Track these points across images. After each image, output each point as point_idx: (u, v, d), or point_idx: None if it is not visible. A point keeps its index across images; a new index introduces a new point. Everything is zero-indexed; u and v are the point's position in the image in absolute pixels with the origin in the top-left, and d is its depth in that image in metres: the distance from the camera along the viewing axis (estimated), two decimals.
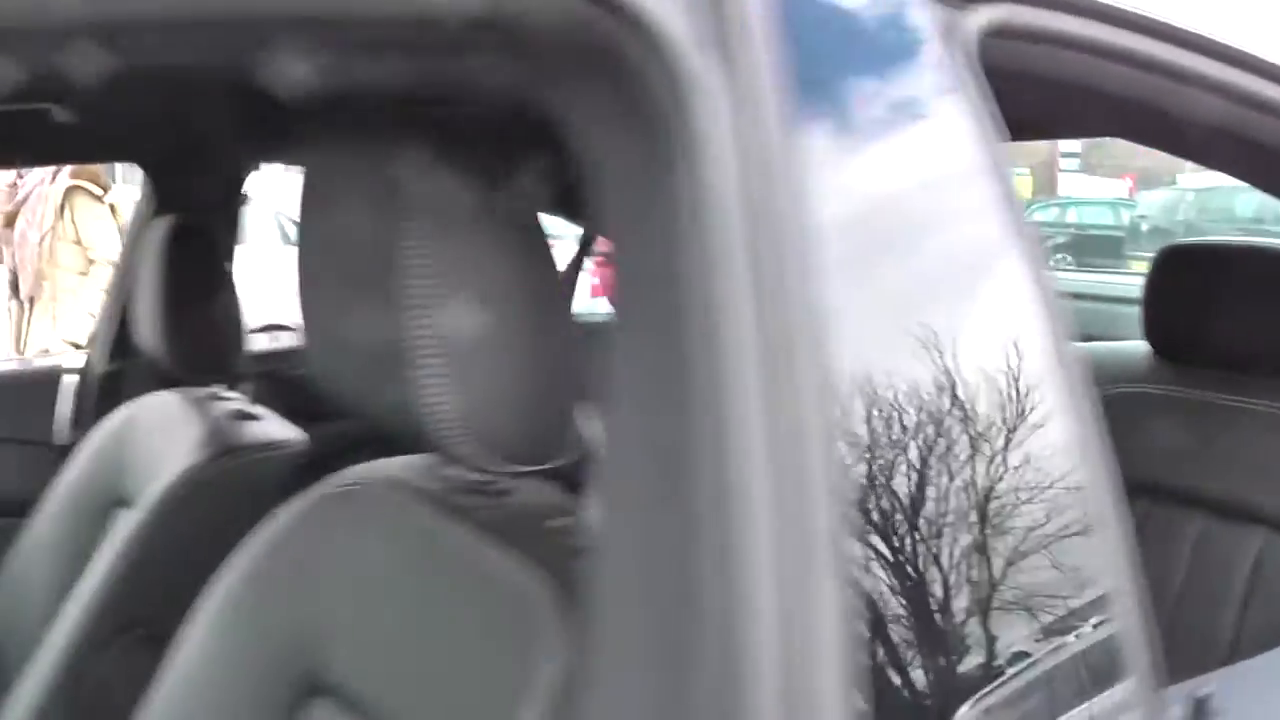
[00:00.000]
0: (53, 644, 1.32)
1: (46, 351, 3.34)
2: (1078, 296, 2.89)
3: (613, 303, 0.58)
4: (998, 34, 0.64)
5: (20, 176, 3.53)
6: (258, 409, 1.49)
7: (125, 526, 1.35)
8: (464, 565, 0.76)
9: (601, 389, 0.56)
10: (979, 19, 0.64)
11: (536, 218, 0.70)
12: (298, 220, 0.83)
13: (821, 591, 0.49)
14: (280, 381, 1.63)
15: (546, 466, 0.70)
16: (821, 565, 0.49)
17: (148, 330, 1.46)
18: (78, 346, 3.61)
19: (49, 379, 1.85)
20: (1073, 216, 12.01)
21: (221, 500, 1.36)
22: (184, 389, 1.58)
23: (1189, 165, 7.03)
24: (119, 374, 1.84)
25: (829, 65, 0.59)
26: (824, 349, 0.51)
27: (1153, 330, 1.40)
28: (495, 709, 0.66)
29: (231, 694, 0.90)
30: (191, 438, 1.38)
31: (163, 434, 1.48)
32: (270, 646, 0.89)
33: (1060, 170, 14.08)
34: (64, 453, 1.82)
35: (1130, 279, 3.56)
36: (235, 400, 1.53)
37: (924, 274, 0.60)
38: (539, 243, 0.70)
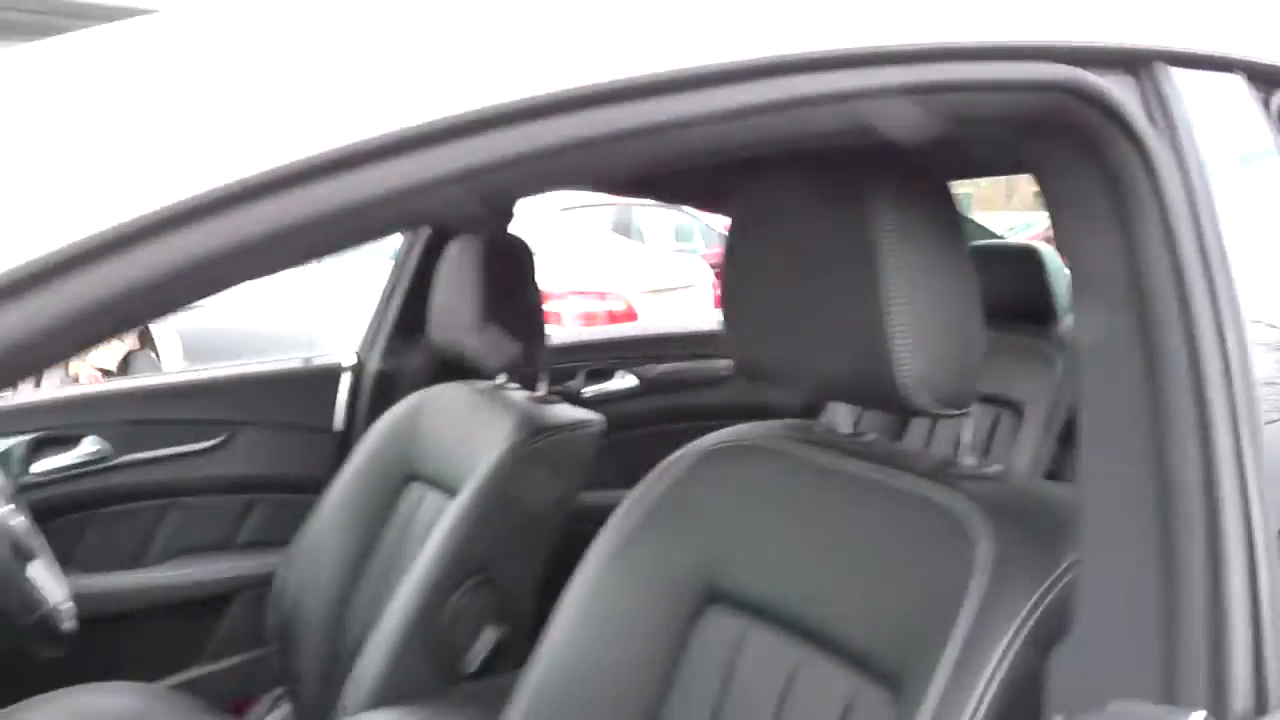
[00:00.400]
0: (407, 589, 1.58)
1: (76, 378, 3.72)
2: None
3: (1078, 307, 0.82)
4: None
5: None
6: (550, 396, 1.76)
7: (465, 493, 1.61)
8: (876, 490, 1.01)
9: (1077, 361, 0.80)
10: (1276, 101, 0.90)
11: (959, 229, 0.94)
12: None
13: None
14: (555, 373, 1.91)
15: (964, 412, 0.94)
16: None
17: (455, 330, 1.72)
18: (106, 372, 3.94)
19: (329, 375, 2.14)
20: None
21: (542, 469, 1.63)
22: (469, 381, 1.86)
23: None
24: (392, 370, 2.12)
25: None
26: (1249, 350, 0.76)
27: None
28: (928, 602, 0.90)
29: (639, 604, 1.12)
30: (508, 419, 1.65)
31: (469, 417, 1.74)
32: (672, 568, 1.12)
33: None
34: (341, 437, 2.11)
35: None
36: (519, 389, 1.80)
37: None
38: (959, 241, 0.94)
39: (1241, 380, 0.73)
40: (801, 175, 0.96)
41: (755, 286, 1.03)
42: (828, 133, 0.64)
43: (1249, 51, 0.89)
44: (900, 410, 0.94)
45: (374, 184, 0.48)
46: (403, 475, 1.86)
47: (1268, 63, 0.90)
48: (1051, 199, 0.82)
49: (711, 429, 1.19)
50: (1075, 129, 0.77)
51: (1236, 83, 0.86)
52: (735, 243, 1.05)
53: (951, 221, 0.93)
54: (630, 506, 1.19)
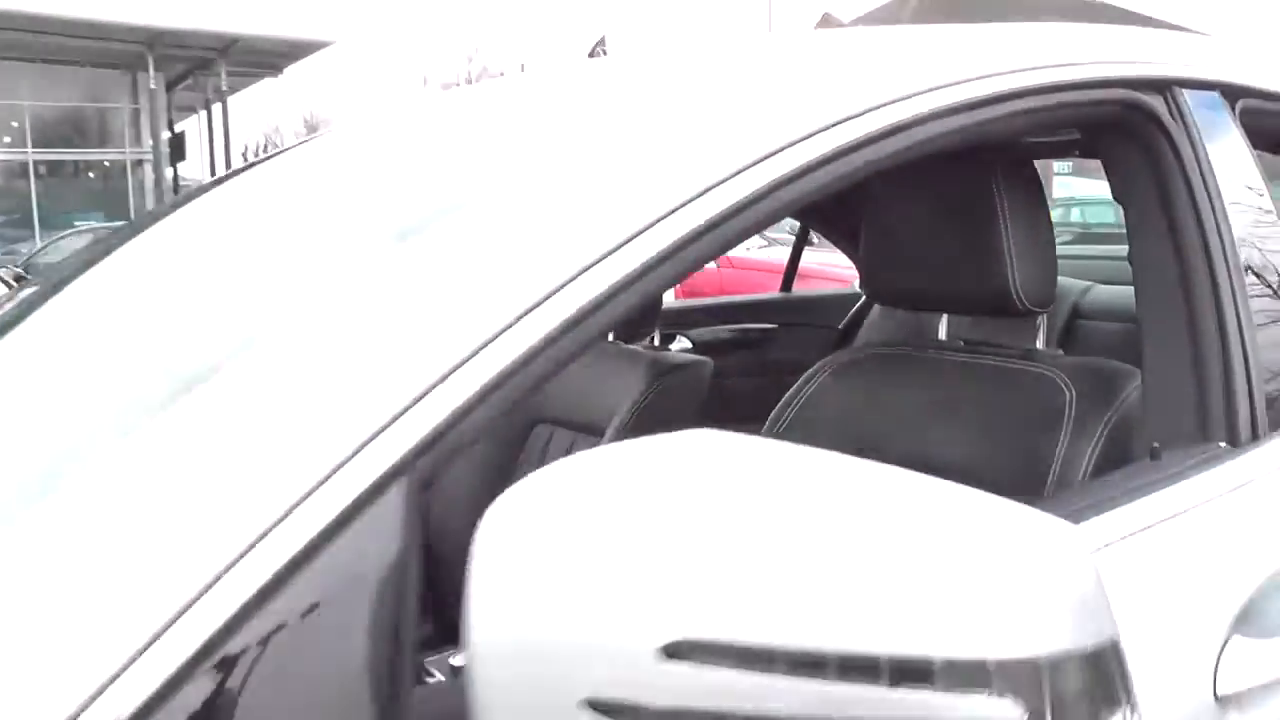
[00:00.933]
0: None
1: None
2: None
3: (1133, 240, 1.32)
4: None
5: None
6: (660, 347, 2.24)
7: (611, 428, 2.06)
8: (985, 370, 1.50)
9: (1136, 271, 1.30)
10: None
11: (1041, 187, 1.46)
12: None
13: None
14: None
15: (1045, 310, 1.45)
16: None
17: None
18: None
19: None
20: (1077, 215, 13.03)
21: (673, 403, 2.09)
22: None
23: None
24: None
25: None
26: (1240, 256, 1.26)
27: None
28: (1034, 439, 1.40)
29: None
30: (640, 362, 2.11)
31: (597, 364, 2.18)
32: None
33: (1055, 174, 15.12)
34: None
35: None
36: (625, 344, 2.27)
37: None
38: (1042, 194, 1.46)
39: (1236, 272, 1.23)
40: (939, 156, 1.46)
41: (899, 235, 1.52)
42: (1030, 127, 1.15)
43: (1220, 75, 1.40)
44: (1007, 311, 1.43)
45: None
46: (528, 420, 2.28)
47: (1230, 82, 1.42)
48: (1112, 171, 1.32)
49: (762, 383, 1.69)
50: (1129, 127, 1.27)
51: (1215, 97, 1.37)
52: (876, 208, 1.54)
53: (1037, 182, 1.45)
54: (780, 411, 1.66)
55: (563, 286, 0.76)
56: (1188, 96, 1.29)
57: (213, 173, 31.44)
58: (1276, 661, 1.00)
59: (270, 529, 0.62)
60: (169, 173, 24.18)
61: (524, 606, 0.59)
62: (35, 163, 23.33)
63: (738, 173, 0.86)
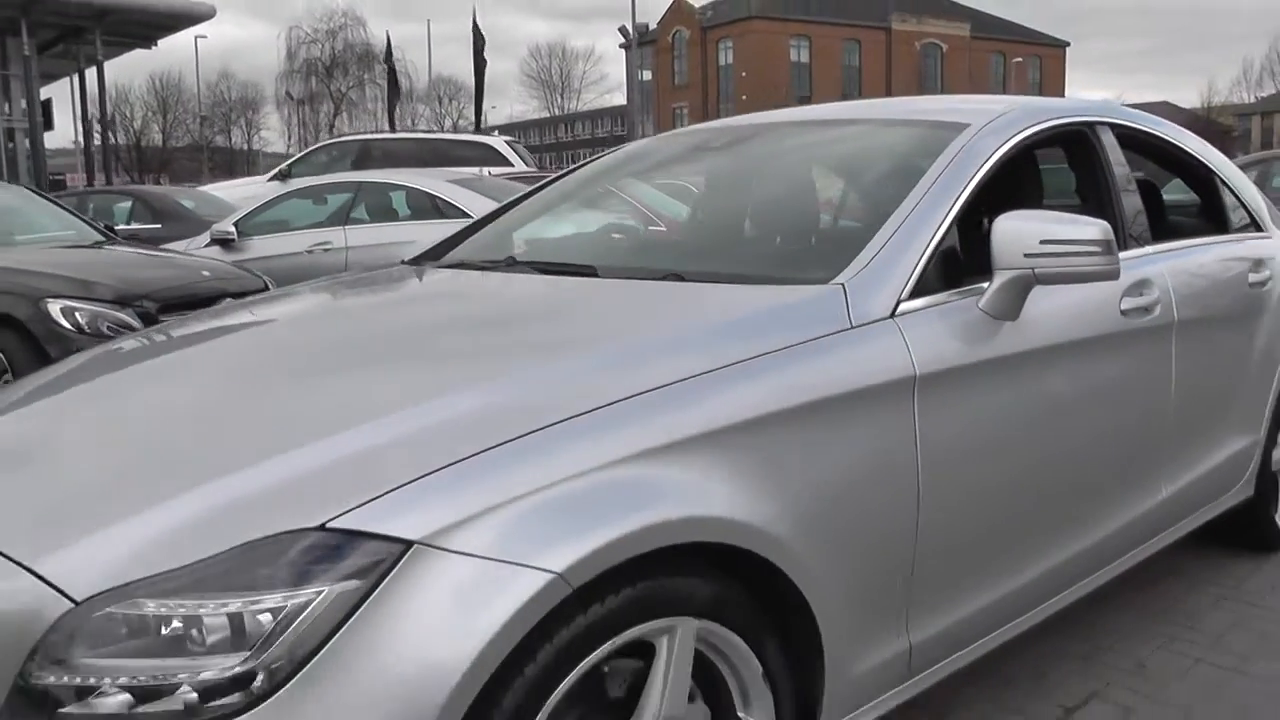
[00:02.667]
0: None
1: None
2: None
3: (1081, 197, 3.20)
4: None
5: None
6: None
7: None
8: None
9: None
10: None
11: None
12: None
13: None
14: None
15: None
16: None
17: None
18: None
19: None
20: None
21: None
22: None
23: None
24: None
25: None
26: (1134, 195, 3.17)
27: None
28: None
29: None
30: None
31: None
32: None
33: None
34: None
35: None
36: None
37: None
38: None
39: (1122, 193, 3.12)
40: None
41: None
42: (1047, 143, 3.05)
43: (1108, 117, 3.30)
44: None
45: None
46: None
47: (1110, 121, 3.32)
48: (1071, 156, 3.20)
49: None
50: (1078, 139, 3.16)
51: (1109, 126, 3.27)
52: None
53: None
54: None
55: None
56: (1099, 128, 3.18)
57: (81, 142, 31.11)
58: None
59: None
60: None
61: None
62: None
63: None
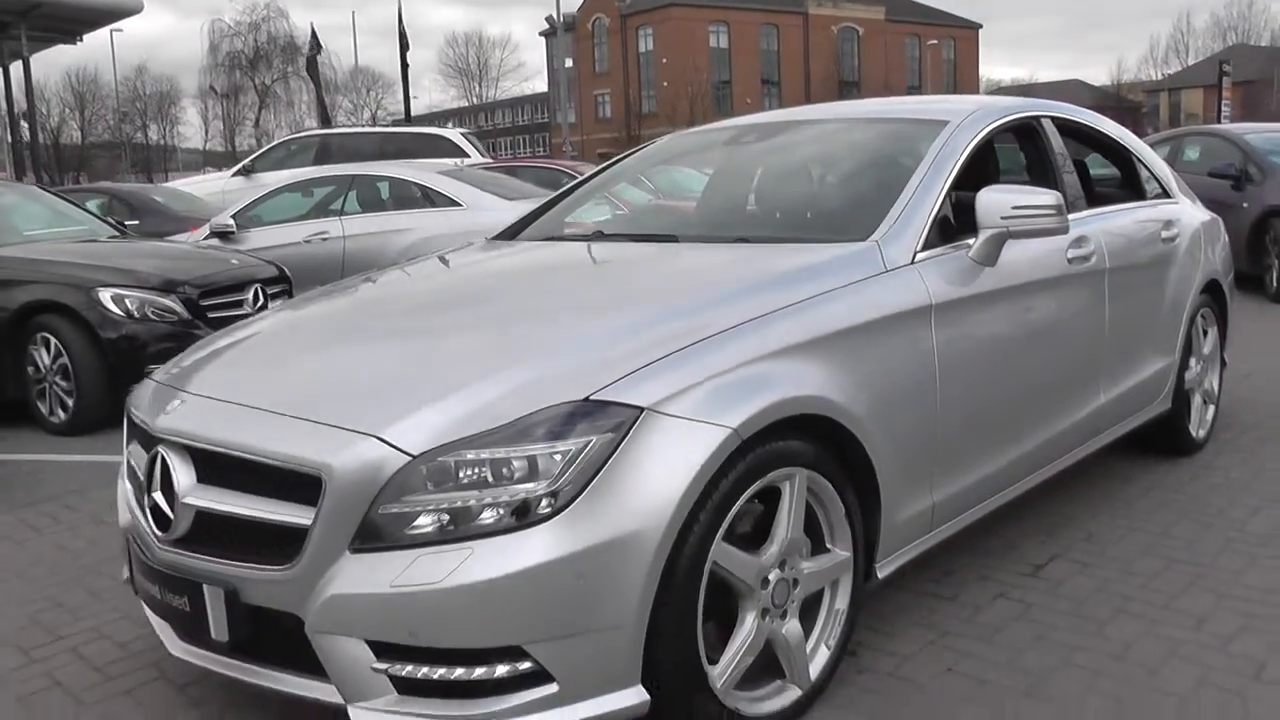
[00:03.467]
0: None
1: None
2: None
3: (1031, 177, 4.04)
4: None
5: None
6: None
7: None
8: None
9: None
10: None
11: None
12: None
13: None
14: None
15: None
16: None
17: None
18: None
19: None
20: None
21: None
22: None
23: None
24: None
25: None
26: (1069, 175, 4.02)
27: None
28: None
29: None
30: None
31: None
32: None
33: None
34: None
35: None
36: None
37: None
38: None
39: (1061, 170, 3.97)
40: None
41: None
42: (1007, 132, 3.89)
43: (1048, 111, 4.15)
44: None
45: None
46: None
47: (1051, 114, 4.17)
48: (1022, 141, 4.04)
49: None
50: (1029, 130, 4.00)
51: (1050, 120, 4.11)
52: None
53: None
54: None
55: None
56: (1043, 120, 4.03)
57: (9, 139, 30.79)
58: None
59: None
60: None
61: None
62: None
63: None
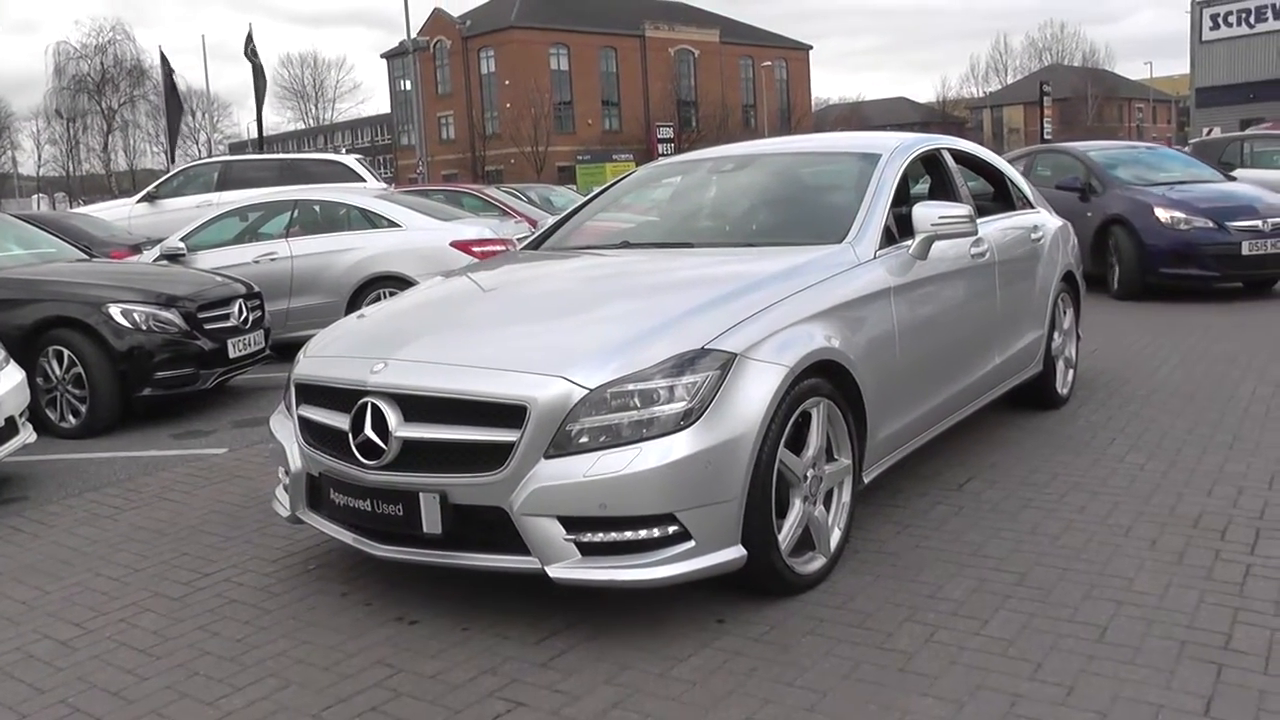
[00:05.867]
0: None
1: None
2: None
3: (936, 195, 5.27)
4: None
5: None
6: None
7: None
8: None
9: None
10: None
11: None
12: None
13: None
14: None
15: None
16: None
17: None
18: None
19: None
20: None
21: None
22: None
23: None
24: None
25: None
26: (965, 197, 5.28)
27: None
28: None
29: None
30: None
31: None
32: None
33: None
34: None
35: None
36: None
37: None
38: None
39: (958, 191, 5.22)
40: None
41: None
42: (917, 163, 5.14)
43: (948, 145, 5.41)
44: None
45: None
46: None
47: (950, 147, 5.42)
48: (930, 172, 5.28)
49: None
50: (932, 160, 5.24)
51: (947, 151, 5.37)
52: None
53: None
54: None
55: None
56: (944, 152, 5.28)
57: None
58: None
59: None
60: None
61: None
62: None
63: None
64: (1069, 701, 2.80)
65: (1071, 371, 6.30)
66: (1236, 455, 5.02)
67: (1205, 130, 30.33)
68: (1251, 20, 44.38)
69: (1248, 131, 19.06)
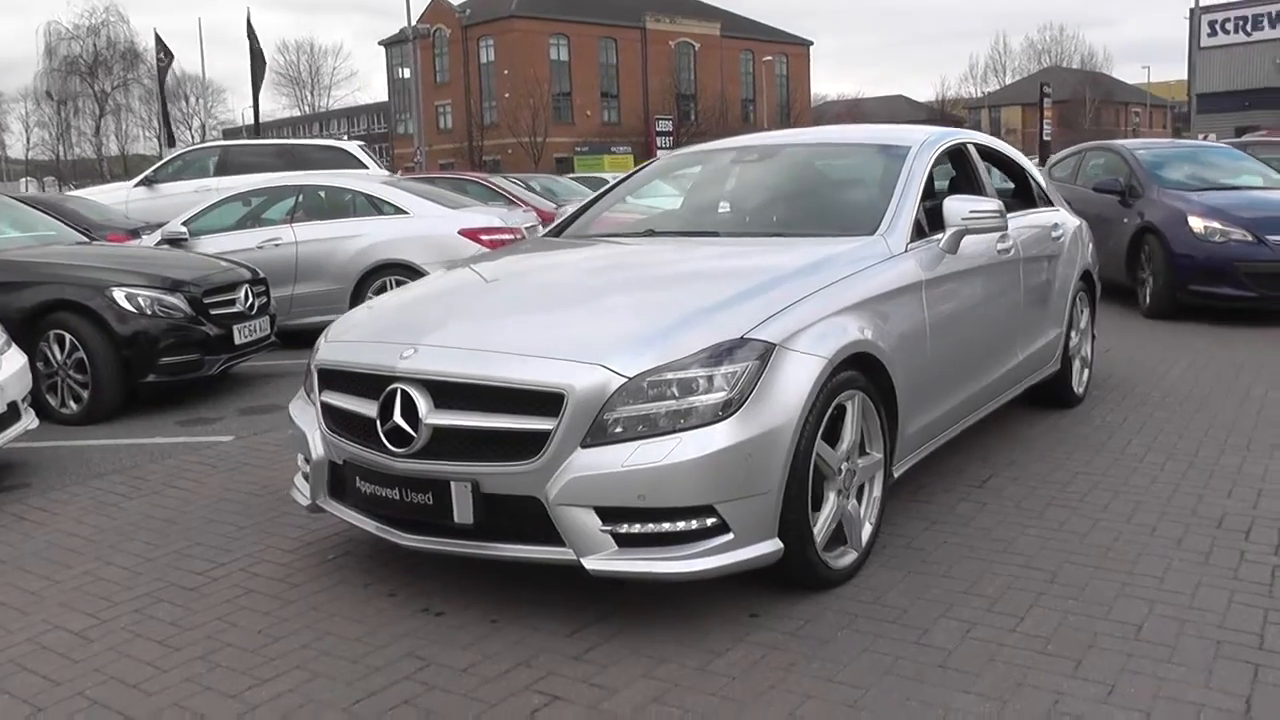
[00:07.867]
0: None
1: None
2: None
3: (960, 189, 5.24)
4: None
5: None
6: None
7: None
8: None
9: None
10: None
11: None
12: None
13: None
14: None
15: None
16: None
17: None
18: None
19: None
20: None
21: None
22: None
23: None
24: None
25: None
26: (992, 192, 5.23)
27: None
28: None
29: None
30: None
31: None
32: None
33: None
34: None
35: None
36: None
37: None
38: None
39: (985, 184, 5.19)
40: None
41: None
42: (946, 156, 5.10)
43: (971, 139, 5.36)
44: None
45: None
46: None
47: (975, 141, 5.38)
48: (954, 162, 5.24)
49: None
50: (958, 154, 5.19)
51: (972, 145, 5.32)
52: None
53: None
54: None
55: None
56: (969, 146, 5.24)
57: None
58: None
59: None
60: None
61: None
62: None
63: None
64: (1111, 700, 2.77)
65: (1087, 371, 6.27)
66: (1254, 457, 5.00)
67: (1201, 136, 30.42)
68: (1248, 28, 44.54)
69: (1244, 139, 19.04)
